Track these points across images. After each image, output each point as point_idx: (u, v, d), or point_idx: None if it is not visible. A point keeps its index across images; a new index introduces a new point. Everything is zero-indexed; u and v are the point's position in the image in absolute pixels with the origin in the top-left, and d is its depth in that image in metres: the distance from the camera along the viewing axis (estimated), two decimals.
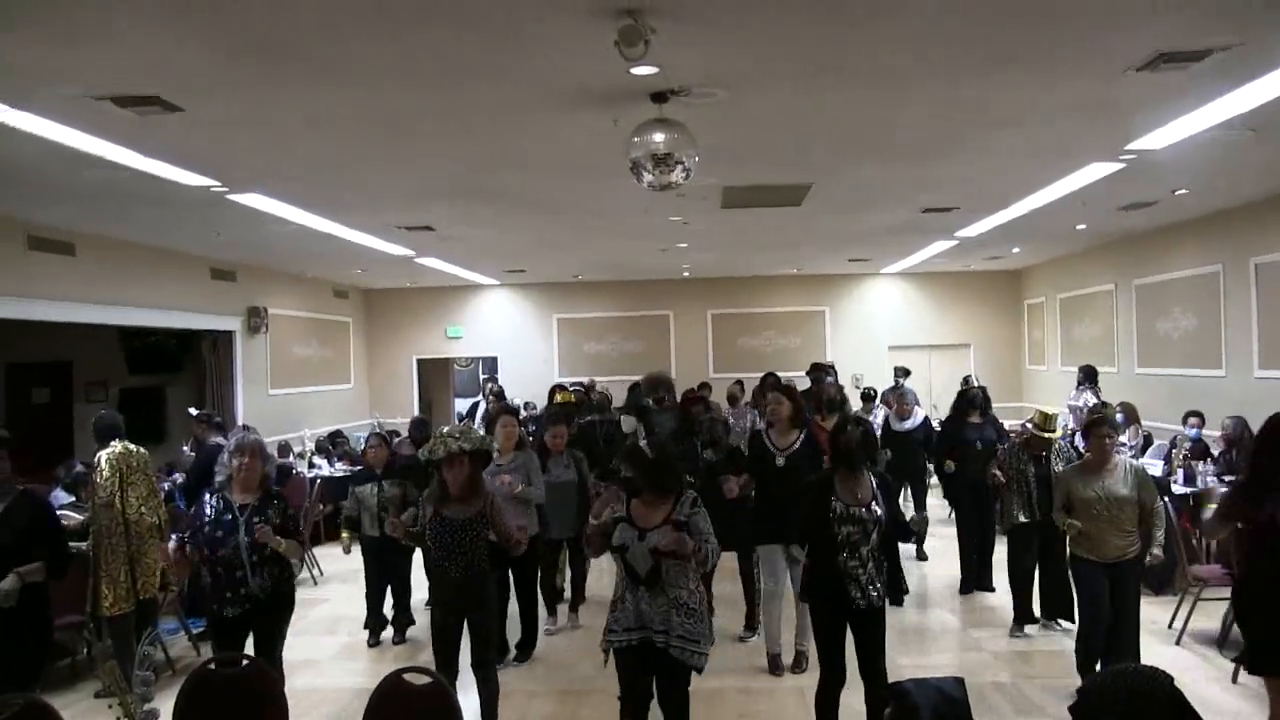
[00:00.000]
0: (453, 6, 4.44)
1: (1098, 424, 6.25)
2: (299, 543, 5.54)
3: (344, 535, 7.92)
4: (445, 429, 5.70)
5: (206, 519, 5.27)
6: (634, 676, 4.82)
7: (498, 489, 6.59)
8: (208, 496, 5.42)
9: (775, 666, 6.87)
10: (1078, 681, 3.79)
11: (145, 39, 4.68)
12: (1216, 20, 4.82)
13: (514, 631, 7.45)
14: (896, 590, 5.31)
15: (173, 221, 9.73)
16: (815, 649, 5.38)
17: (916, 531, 5.27)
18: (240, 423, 10.65)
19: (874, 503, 5.06)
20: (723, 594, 8.25)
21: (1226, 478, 8.87)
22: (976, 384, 11.50)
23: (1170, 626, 7.46)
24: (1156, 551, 5.98)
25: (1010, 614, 7.77)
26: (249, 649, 5.31)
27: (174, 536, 5.56)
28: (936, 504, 11.06)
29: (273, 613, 5.38)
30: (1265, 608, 4.45)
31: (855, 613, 5.07)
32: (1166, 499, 7.71)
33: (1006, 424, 9.93)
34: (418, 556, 7.74)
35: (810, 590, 5.33)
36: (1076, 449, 8.08)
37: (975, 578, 8.89)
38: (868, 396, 12.00)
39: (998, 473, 7.57)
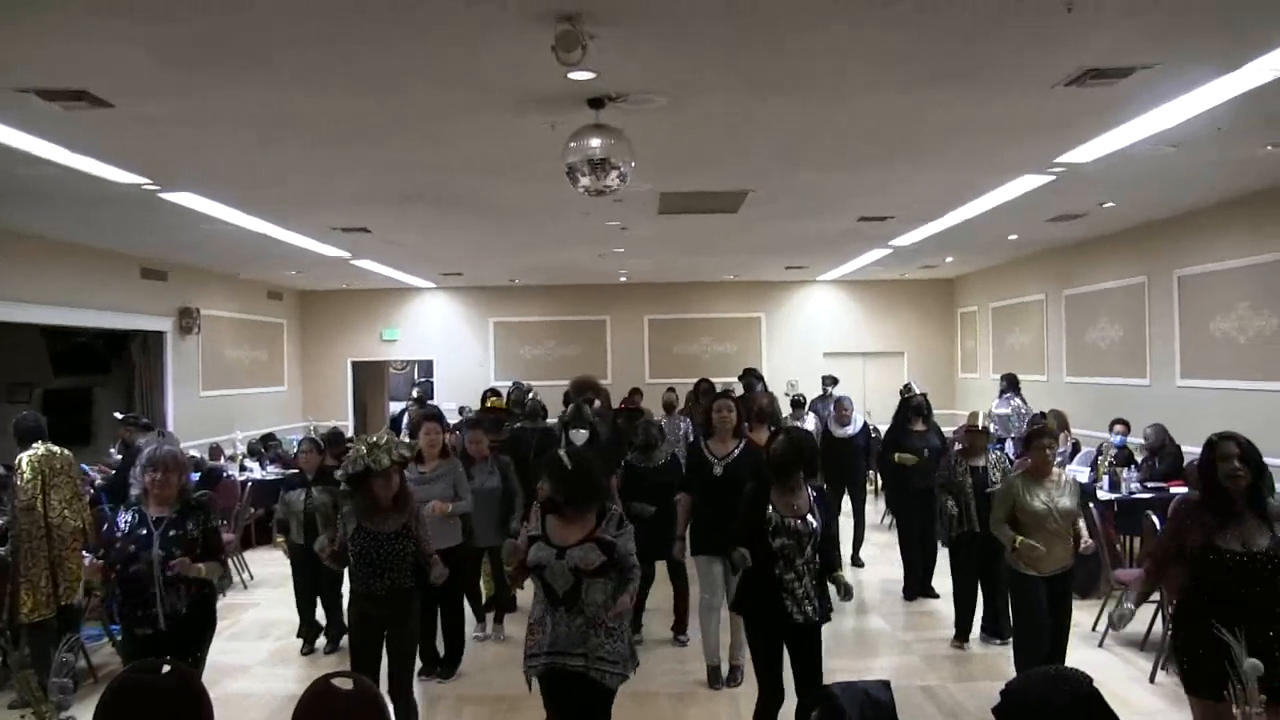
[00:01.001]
0: (391, 9, 4.40)
1: (1039, 434, 6.21)
2: (220, 562, 5.19)
3: (279, 540, 7.93)
4: (373, 439, 5.38)
5: (120, 533, 4.94)
6: (559, 702, 4.63)
7: (429, 513, 6.35)
8: (122, 510, 5.07)
9: (714, 680, 6.73)
10: (1001, 684, 3.85)
11: (74, 31, 4.57)
12: (1140, 40, 4.95)
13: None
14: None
15: (101, 219, 9.53)
16: (751, 664, 5.21)
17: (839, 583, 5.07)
18: (160, 428, 10.37)
19: (810, 514, 4.89)
20: (652, 603, 8.23)
21: (1150, 484, 9.08)
22: (917, 392, 11.38)
23: (1094, 629, 7.59)
24: (1088, 539, 6.04)
25: (949, 621, 7.77)
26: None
27: (87, 557, 5.25)
28: (871, 511, 11.16)
29: (189, 632, 4.98)
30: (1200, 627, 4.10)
31: (792, 628, 4.89)
32: (1092, 505, 7.87)
33: (946, 431, 10.03)
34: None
35: (744, 604, 5.15)
36: (1009, 457, 8.17)
37: (919, 584, 8.92)
38: (797, 403, 11.95)
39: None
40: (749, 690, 5.35)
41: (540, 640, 4.55)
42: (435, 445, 6.99)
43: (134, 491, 5.13)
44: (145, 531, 4.90)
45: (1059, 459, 9.97)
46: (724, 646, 6.76)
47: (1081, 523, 6.09)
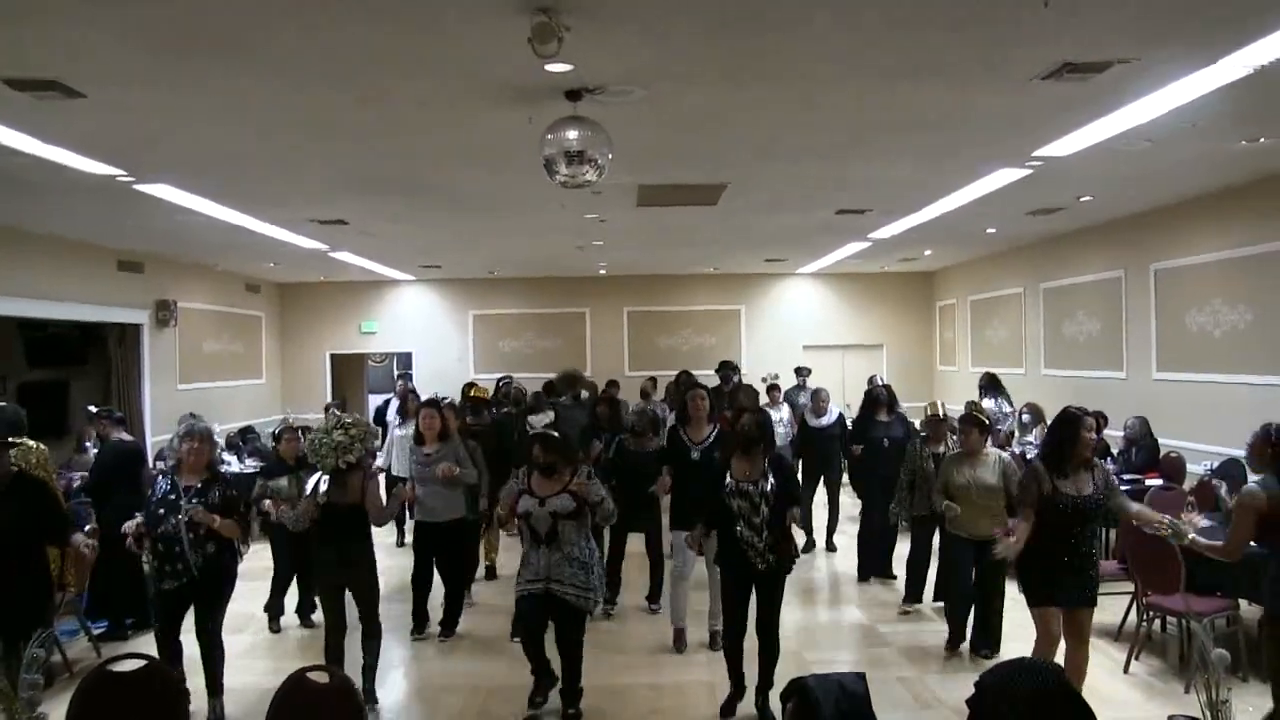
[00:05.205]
0: None
1: (964, 420, 7.06)
2: (236, 522, 5.91)
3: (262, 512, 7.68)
4: (335, 434, 6.07)
5: (155, 499, 5.77)
6: (530, 616, 5.86)
7: (436, 475, 7.43)
8: (160, 478, 5.95)
9: (679, 640, 7.32)
10: (975, 675, 3.93)
11: (43, 19, 4.51)
12: (1117, 35, 4.97)
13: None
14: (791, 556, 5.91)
15: (76, 210, 9.43)
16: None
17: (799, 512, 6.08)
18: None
19: (762, 479, 5.72)
20: (628, 576, 8.68)
21: (1126, 475, 9.13)
22: (880, 383, 11.75)
23: None
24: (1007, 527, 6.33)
25: (926, 613, 8.06)
26: (189, 621, 5.90)
27: (136, 515, 5.83)
28: (849, 501, 11.21)
29: (210, 587, 5.84)
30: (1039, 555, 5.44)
31: (757, 575, 5.77)
32: None
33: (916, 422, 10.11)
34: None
35: (718, 557, 6.06)
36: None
37: (877, 566, 9.27)
38: (774, 387, 12.04)
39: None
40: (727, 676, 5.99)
41: (527, 571, 5.86)
42: (433, 429, 7.63)
43: (170, 463, 6.00)
44: (174, 497, 5.75)
45: (1035, 448, 10.13)
46: (690, 614, 7.41)
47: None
